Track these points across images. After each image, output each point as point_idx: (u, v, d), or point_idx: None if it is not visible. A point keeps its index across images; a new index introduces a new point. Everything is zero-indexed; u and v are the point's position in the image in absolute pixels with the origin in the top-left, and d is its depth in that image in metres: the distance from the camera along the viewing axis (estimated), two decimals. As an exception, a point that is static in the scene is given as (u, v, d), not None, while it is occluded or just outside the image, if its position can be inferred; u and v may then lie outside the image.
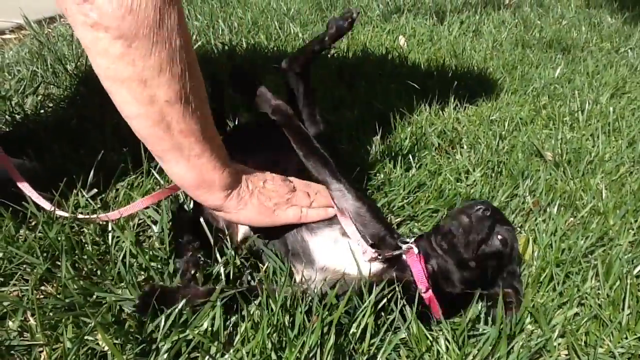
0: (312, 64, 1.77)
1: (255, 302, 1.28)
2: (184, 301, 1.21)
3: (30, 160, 1.73)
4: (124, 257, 1.39)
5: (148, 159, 1.67)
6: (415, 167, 2.11)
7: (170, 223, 1.49)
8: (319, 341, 1.17)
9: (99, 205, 1.64)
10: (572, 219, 1.91)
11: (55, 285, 1.36)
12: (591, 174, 2.25)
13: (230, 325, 1.27)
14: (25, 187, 1.49)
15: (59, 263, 1.37)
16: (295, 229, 1.44)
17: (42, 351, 1.19)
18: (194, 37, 3.16)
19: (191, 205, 1.59)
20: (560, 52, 4.03)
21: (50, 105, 2.25)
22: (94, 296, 1.30)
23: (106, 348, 1.16)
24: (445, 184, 2.01)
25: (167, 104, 1.06)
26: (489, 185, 2.02)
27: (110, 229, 1.52)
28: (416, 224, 1.80)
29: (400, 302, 1.31)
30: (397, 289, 1.30)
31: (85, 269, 1.41)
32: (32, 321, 1.25)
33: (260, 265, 1.51)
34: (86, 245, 1.48)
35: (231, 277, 1.40)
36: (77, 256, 1.41)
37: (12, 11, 3.18)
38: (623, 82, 3.40)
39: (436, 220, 1.80)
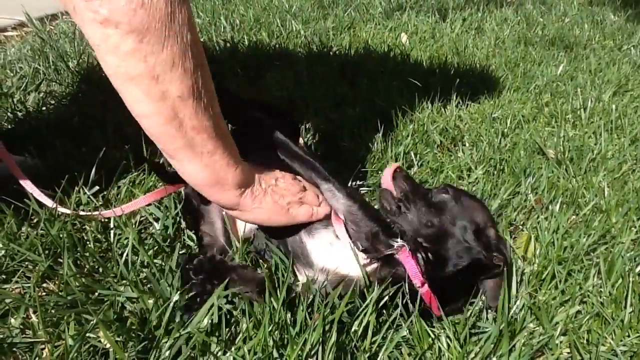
0: None
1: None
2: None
3: (32, 158, 1.74)
4: (126, 254, 1.39)
5: (150, 157, 1.67)
6: (417, 164, 2.11)
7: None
8: (320, 339, 1.17)
9: (100, 203, 1.64)
10: (574, 216, 1.91)
11: (57, 282, 1.36)
12: (593, 171, 2.25)
13: (232, 322, 1.27)
14: (27, 184, 1.49)
15: (61, 260, 1.37)
16: (294, 230, 1.44)
17: (44, 348, 1.19)
18: (196, 34, 3.16)
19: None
20: (562, 49, 4.02)
21: (52, 102, 2.25)
22: (96, 293, 1.30)
23: (108, 345, 1.16)
24: (447, 181, 2.01)
25: (180, 100, 1.04)
26: (491, 182, 2.02)
27: (112, 226, 1.52)
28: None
29: (398, 300, 1.31)
30: (396, 286, 1.31)
31: (87, 266, 1.41)
32: (34, 318, 1.25)
33: (262, 262, 1.51)
34: (88, 242, 1.48)
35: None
36: (79, 253, 1.42)
37: (14, 8, 3.18)
38: (626, 80, 3.40)
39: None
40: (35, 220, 1.53)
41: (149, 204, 1.57)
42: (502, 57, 3.58)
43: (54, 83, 2.40)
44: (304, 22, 3.68)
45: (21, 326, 1.24)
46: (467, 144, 2.36)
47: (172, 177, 1.52)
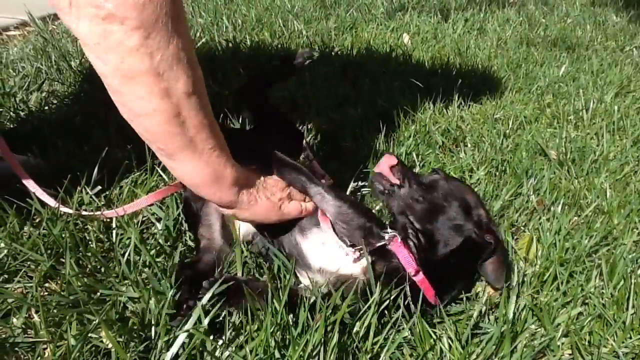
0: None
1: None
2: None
3: (35, 157, 1.74)
4: (128, 254, 1.40)
5: (152, 156, 1.67)
6: (419, 165, 2.11)
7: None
8: (322, 340, 1.17)
9: (102, 202, 1.65)
10: (576, 218, 1.91)
11: (59, 282, 1.36)
12: (595, 173, 2.25)
13: (234, 323, 1.27)
14: (29, 184, 1.49)
15: (63, 260, 1.37)
16: (289, 232, 1.45)
17: (46, 348, 1.19)
18: (198, 34, 3.16)
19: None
20: (565, 50, 4.02)
21: (55, 102, 2.26)
22: (98, 293, 1.30)
23: (110, 345, 1.16)
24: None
25: (185, 96, 1.03)
26: (493, 183, 2.02)
27: (114, 226, 1.52)
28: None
29: (400, 301, 1.31)
30: (397, 282, 1.33)
31: (90, 266, 1.41)
32: (36, 318, 1.25)
33: (263, 263, 1.51)
34: (90, 242, 1.48)
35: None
36: (81, 253, 1.42)
37: (16, 8, 3.19)
38: (628, 81, 3.39)
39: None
40: (37, 220, 1.53)
41: (151, 204, 1.57)
42: (504, 57, 3.57)
43: (56, 82, 2.40)
44: (306, 22, 3.68)
45: (23, 326, 1.24)
46: (469, 145, 2.36)
47: None
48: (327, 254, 1.41)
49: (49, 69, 2.50)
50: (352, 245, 1.38)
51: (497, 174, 2.13)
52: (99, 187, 1.65)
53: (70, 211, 1.50)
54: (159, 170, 1.74)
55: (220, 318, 1.26)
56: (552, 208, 1.92)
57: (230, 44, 3.04)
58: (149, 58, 0.95)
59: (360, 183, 1.90)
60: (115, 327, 1.19)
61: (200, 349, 1.18)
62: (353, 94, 2.65)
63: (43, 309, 1.21)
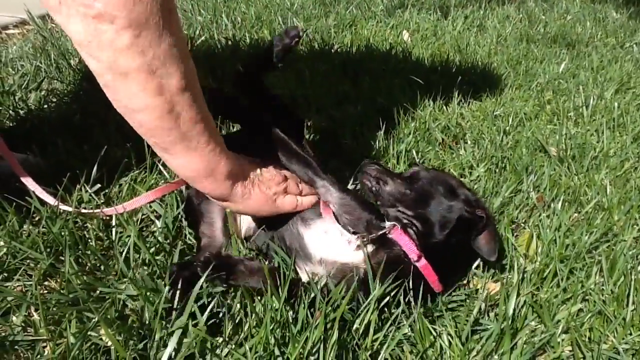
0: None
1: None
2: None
3: (34, 156, 1.74)
4: (127, 252, 1.40)
5: (152, 154, 1.67)
6: (419, 162, 2.11)
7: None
8: (322, 337, 1.17)
9: (102, 201, 1.64)
10: (576, 214, 1.91)
11: (58, 280, 1.36)
12: (595, 169, 2.25)
13: (234, 320, 1.27)
14: (29, 182, 1.49)
15: (63, 258, 1.37)
16: (291, 223, 1.46)
17: (46, 346, 1.19)
18: (198, 32, 3.16)
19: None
20: (564, 47, 4.02)
21: (54, 100, 2.26)
22: (98, 291, 1.30)
23: (109, 343, 1.16)
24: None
25: (178, 92, 1.04)
26: (493, 180, 2.02)
27: (113, 224, 1.52)
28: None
29: (396, 292, 1.31)
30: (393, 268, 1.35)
31: (89, 264, 1.41)
32: (35, 316, 1.25)
33: (264, 260, 1.51)
34: (90, 240, 1.48)
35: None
36: (80, 251, 1.42)
37: (15, 6, 3.18)
38: (628, 78, 3.39)
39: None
40: (37, 218, 1.53)
41: (152, 202, 1.57)
42: (504, 54, 3.57)
43: (55, 81, 2.40)
44: (306, 20, 3.67)
45: (23, 324, 1.24)
46: (469, 142, 2.36)
47: None
48: (329, 242, 1.42)
49: (48, 67, 2.50)
50: (354, 233, 1.40)
51: (497, 170, 2.13)
52: (99, 185, 1.65)
53: (70, 209, 1.50)
54: (160, 167, 1.73)
55: (220, 315, 1.26)
56: (552, 205, 1.92)
57: (229, 42, 3.04)
58: (141, 56, 0.95)
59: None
60: (115, 325, 1.19)
61: (200, 346, 1.18)
62: (353, 92, 2.64)
63: (42, 307, 1.21)
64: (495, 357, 1.29)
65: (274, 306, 1.23)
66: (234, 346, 1.19)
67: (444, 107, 2.60)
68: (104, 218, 1.54)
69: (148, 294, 1.24)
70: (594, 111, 2.82)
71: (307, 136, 2.16)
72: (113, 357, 1.15)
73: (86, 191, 1.62)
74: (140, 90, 1.00)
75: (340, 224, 1.43)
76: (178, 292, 1.27)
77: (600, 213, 1.90)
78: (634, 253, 1.67)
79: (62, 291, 1.29)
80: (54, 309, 1.25)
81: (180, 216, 1.59)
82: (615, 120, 2.71)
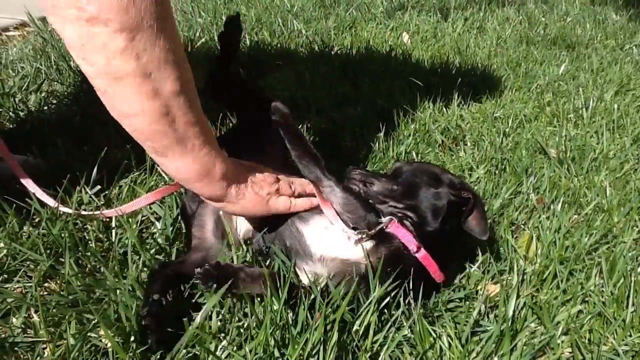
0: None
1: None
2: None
3: (34, 157, 1.74)
4: (124, 253, 1.40)
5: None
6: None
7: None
8: (322, 338, 1.17)
9: (102, 202, 1.64)
10: (576, 216, 1.91)
11: (58, 282, 1.36)
12: (595, 171, 2.25)
13: (234, 322, 1.27)
14: (28, 184, 1.49)
15: (63, 260, 1.37)
16: (289, 221, 1.46)
17: (46, 348, 1.19)
18: (198, 33, 3.16)
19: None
20: (564, 49, 4.02)
21: (54, 102, 2.26)
22: (97, 293, 1.30)
23: (109, 345, 1.16)
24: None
25: (173, 96, 1.03)
26: (493, 182, 2.02)
27: (113, 225, 1.53)
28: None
29: (400, 299, 1.31)
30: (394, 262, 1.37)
31: (89, 265, 1.41)
32: (35, 318, 1.25)
33: (262, 262, 1.51)
34: (89, 242, 1.48)
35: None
36: (80, 253, 1.42)
37: (15, 8, 3.18)
38: (628, 79, 3.39)
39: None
40: (36, 220, 1.53)
41: (152, 203, 1.57)
42: (504, 56, 3.57)
43: (55, 83, 2.40)
44: (306, 22, 3.68)
45: (23, 325, 1.24)
46: (468, 144, 2.36)
47: None
48: (330, 238, 1.42)
49: (48, 69, 2.50)
50: (355, 229, 1.41)
51: (497, 172, 2.13)
52: (99, 187, 1.65)
53: (70, 211, 1.50)
54: (160, 169, 1.73)
55: (220, 317, 1.26)
56: (551, 206, 1.92)
57: (229, 44, 3.04)
58: (135, 60, 0.95)
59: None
60: (115, 326, 1.19)
61: (201, 347, 1.18)
62: (353, 94, 2.65)
63: (42, 308, 1.21)
64: (495, 358, 1.29)
65: (273, 308, 1.23)
66: (234, 348, 1.19)
67: (444, 109, 2.60)
68: (104, 220, 1.54)
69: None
70: (593, 113, 2.82)
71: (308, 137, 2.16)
72: (112, 358, 1.15)
73: (86, 192, 1.62)
74: (134, 94, 0.99)
75: (341, 220, 1.43)
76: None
77: (600, 215, 1.90)
78: (633, 255, 1.67)
79: (62, 293, 1.29)
80: (54, 310, 1.25)
81: (179, 218, 1.59)
82: (615, 122, 2.71)
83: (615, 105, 2.86)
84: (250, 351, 1.16)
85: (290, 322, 1.21)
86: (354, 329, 1.27)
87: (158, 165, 1.71)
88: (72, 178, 1.59)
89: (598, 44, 4.25)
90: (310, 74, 2.75)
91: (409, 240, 1.40)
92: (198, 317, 1.23)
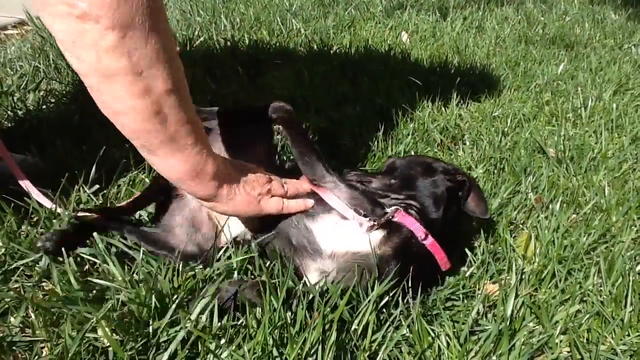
0: None
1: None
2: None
3: (33, 156, 1.74)
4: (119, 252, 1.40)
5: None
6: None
7: None
8: (320, 338, 1.17)
9: (100, 202, 1.64)
10: (574, 215, 1.91)
11: (56, 281, 1.36)
12: (594, 170, 2.25)
13: (231, 321, 1.27)
14: (26, 184, 1.49)
15: (61, 259, 1.37)
16: (296, 220, 1.46)
17: (44, 347, 1.19)
18: (196, 32, 3.16)
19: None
20: (563, 48, 4.02)
21: (53, 101, 2.25)
22: (95, 292, 1.30)
23: (107, 344, 1.16)
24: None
25: (164, 94, 1.02)
26: (491, 181, 2.02)
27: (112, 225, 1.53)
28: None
29: (399, 299, 1.32)
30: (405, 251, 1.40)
31: (87, 264, 1.41)
32: (33, 317, 1.25)
33: (262, 262, 1.51)
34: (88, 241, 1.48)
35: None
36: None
37: (14, 7, 3.18)
38: (626, 79, 3.39)
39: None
40: (35, 219, 1.53)
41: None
42: (503, 56, 3.57)
43: (54, 81, 2.40)
44: (305, 21, 3.68)
45: (21, 325, 1.24)
46: (467, 143, 2.36)
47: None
48: (341, 232, 1.42)
49: (47, 67, 2.50)
50: (365, 216, 1.42)
51: (496, 171, 2.13)
52: (97, 186, 1.65)
53: (67, 212, 1.50)
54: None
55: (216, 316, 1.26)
56: (550, 206, 1.92)
57: (228, 43, 3.04)
58: (126, 57, 0.94)
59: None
60: (113, 325, 1.19)
61: (199, 346, 1.18)
62: (352, 93, 2.65)
63: (40, 307, 1.21)
64: (494, 358, 1.29)
65: (272, 307, 1.23)
66: (233, 347, 1.19)
67: (443, 108, 2.60)
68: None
69: (146, 294, 1.24)
70: (592, 112, 2.82)
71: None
72: (111, 357, 1.15)
73: (85, 192, 1.62)
74: (125, 92, 0.99)
75: (352, 209, 1.44)
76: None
77: (599, 214, 1.90)
78: (632, 254, 1.67)
79: (60, 292, 1.29)
80: (52, 309, 1.24)
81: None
82: (614, 122, 2.71)
83: (614, 105, 2.86)
84: (249, 350, 1.16)
85: (289, 322, 1.21)
86: (353, 328, 1.27)
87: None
88: (71, 177, 1.59)
89: (597, 43, 4.25)
90: (309, 73, 2.75)
91: (417, 228, 1.42)
92: (194, 314, 1.23)
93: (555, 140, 2.42)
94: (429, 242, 1.42)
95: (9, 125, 2.00)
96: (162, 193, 1.58)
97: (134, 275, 1.35)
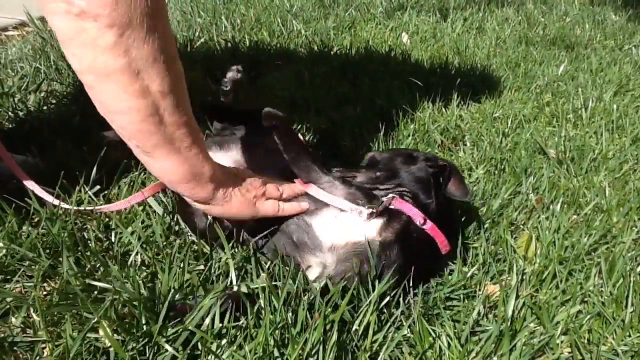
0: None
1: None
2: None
3: (34, 157, 1.74)
4: (127, 253, 1.40)
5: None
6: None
7: None
8: (321, 338, 1.17)
9: (101, 202, 1.64)
10: (575, 216, 1.91)
11: (58, 281, 1.36)
12: (594, 171, 2.25)
13: (232, 322, 1.27)
14: (29, 184, 1.49)
15: (62, 259, 1.37)
16: (296, 218, 1.47)
17: (45, 347, 1.19)
18: (197, 33, 3.16)
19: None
20: (563, 49, 4.02)
21: (53, 102, 2.26)
22: (96, 292, 1.30)
23: (108, 344, 1.16)
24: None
25: (161, 95, 1.02)
26: (492, 182, 2.02)
27: (113, 225, 1.53)
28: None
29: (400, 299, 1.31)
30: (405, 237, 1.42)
31: (88, 265, 1.41)
32: (35, 317, 1.25)
33: (264, 262, 1.51)
34: (89, 241, 1.48)
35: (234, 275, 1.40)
36: (80, 252, 1.41)
37: (15, 8, 3.18)
38: (627, 80, 3.39)
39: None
40: (36, 220, 1.53)
41: (149, 196, 1.57)
42: (503, 56, 3.57)
43: (55, 82, 2.40)
44: (305, 22, 3.68)
45: (22, 325, 1.23)
46: (468, 144, 2.36)
47: None
48: (340, 225, 1.43)
49: (47, 69, 2.50)
50: (364, 205, 1.44)
51: (496, 172, 2.13)
52: (98, 187, 1.65)
53: (69, 206, 1.50)
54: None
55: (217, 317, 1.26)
56: (551, 206, 1.92)
57: (229, 44, 3.04)
58: (124, 56, 0.94)
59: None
60: (114, 325, 1.19)
61: (201, 347, 1.18)
62: (352, 93, 2.65)
63: (42, 308, 1.21)
64: (495, 358, 1.29)
65: (273, 306, 1.23)
66: (234, 348, 1.19)
67: (443, 109, 2.60)
68: (103, 218, 1.54)
69: (147, 295, 1.24)
70: (592, 113, 2.82)
71: (306, 137, 2.17)
72: (112, 357, 1.15)
73: (85, 192, 1.62)
74: (122, 91, 0.98)
75: (349, 201, 1.45)
76: None
77: (599, 215, 1.90)
78: (632, 255, 1.67)
79: (61, 292, 1.29)
80: (53, 310, 1.24)
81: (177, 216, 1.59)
82: (614, 123, 2.72)
83: (615, 106, 2.86)
84: (250, 351, 1.16)
85: (290, 322, 1.21)
86: (354, 328, 1.27)
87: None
88: (72, 178, 1.59)
89: (597, 44, 4.25)
90: (309, 74, 2.75)
91: (415, 213, 1.44)
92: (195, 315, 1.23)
93: (556, 141, 2.42)
94: (429, 226, 1.45)
95: (10, 126, 2.00)
96: None
97: (135, 274, 1.35)
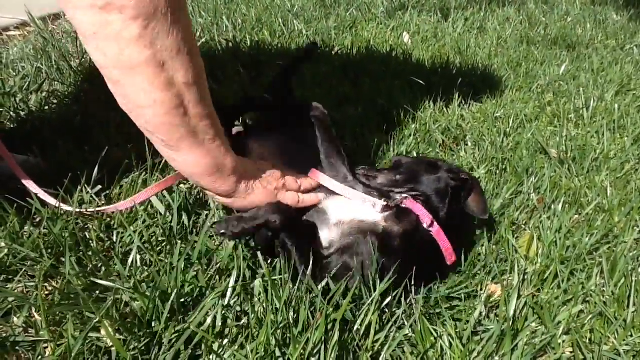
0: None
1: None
2: None
3: (35, 157, 1.74)
4: (129, 252, 1.40)
5: (152, 155, 1.67)
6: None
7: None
8: (323, 338, 1.17)
9: (103, 202, 1.64)
10: (576, 216, 1.91)
11: (59, 281, 1.36)
12: (596, 171, 2.25)
13: (234, 321, 1.27)
14: (29, 184, 1.49)
15: (64, 259, 1.37)
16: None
17: (47, 347, 1.19)
18: (198, 33, 3.16)
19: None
20: (565, 49, 4.02)
21: (55, 102, 2.26)
22: (98, 292, 1.30)
23: (110, 344, 1.16)
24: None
25: (186, 86, 1.02)
26: (494, 182, 2.02)
27: (115, 225, 1.53)
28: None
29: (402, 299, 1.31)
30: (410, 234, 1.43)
31: (90, 265, 1.41)
32: (37, 317, 1.25)
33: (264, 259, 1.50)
34: (91, 241, 1.48)
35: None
36: (81, 252, 1.42)
37: (16, 8, 3.18)
38: (628, 80, 3.39)
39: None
40: (37, 220, 1.53)
41: (149, 197, 1.57)
42: (505, 56, 3.57)
43: (56, 83, 2.40)
44: (306, 22, 3.68)
45: (24, 325, 1.24)
46: (469, 144, 2.36)
47: None
48: (351, 205, 1.47)
49: (49, 69, 2.50)
50: (381, 197, 1.47)
51: (498, 172, 2.13)
52: (99, 187, 1.65)
53: (71, 209, 1.50)
54: (162, 167, 1.73)
55: (220, 316, 1.26)
56: (552, 206, 1.92)
57: (230, 44, 3.04)
58: (149, 48, 0.94)
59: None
60: (116, 325, 1.19)
61: (203, 347, 1.18)
62: (353, 93, 2.65)
63: (44, 308, 1.21)
64: (496, 358, 1.29)
65: (274, 307, 1.23)
66: (236, 347, 1.19)
67: (445, 109, 2.60)
68: (105, 218, 1.54)
69: (149, 294, 1.24)
70: (594, 113, 2.82)
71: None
72: (114, 357, 1.15)
73: (87, 192, 1.62)
74: (147, 84, 0.98)
75: (363, 191, 1.49)
76: None
77: (601, 215, 1.90)
78: (634, 255, 1.67)
79: (63, 292, 1.29)
80: (55, 309, 1.25)
81: (182, 215, 1.59)
82: (616, 122, 2.71)
83: (616, 106, 2.86)
84: (252, 351, 1.16)
85: (292, 322, 1.21)
86: (355, 328, 1.27)
87: (159, 164, 1.72)
88: (73, 178, 1.59)
89: (599, 44, 4.25)
90: (310, 73, 2.75)
91: (424, 214, 1.46)
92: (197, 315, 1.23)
93: (557, 141, 2.42)
94: (435, 229, 1.45)
95: (11, 126, 2.01)
96: None
97: (137, 274, 1.35)
